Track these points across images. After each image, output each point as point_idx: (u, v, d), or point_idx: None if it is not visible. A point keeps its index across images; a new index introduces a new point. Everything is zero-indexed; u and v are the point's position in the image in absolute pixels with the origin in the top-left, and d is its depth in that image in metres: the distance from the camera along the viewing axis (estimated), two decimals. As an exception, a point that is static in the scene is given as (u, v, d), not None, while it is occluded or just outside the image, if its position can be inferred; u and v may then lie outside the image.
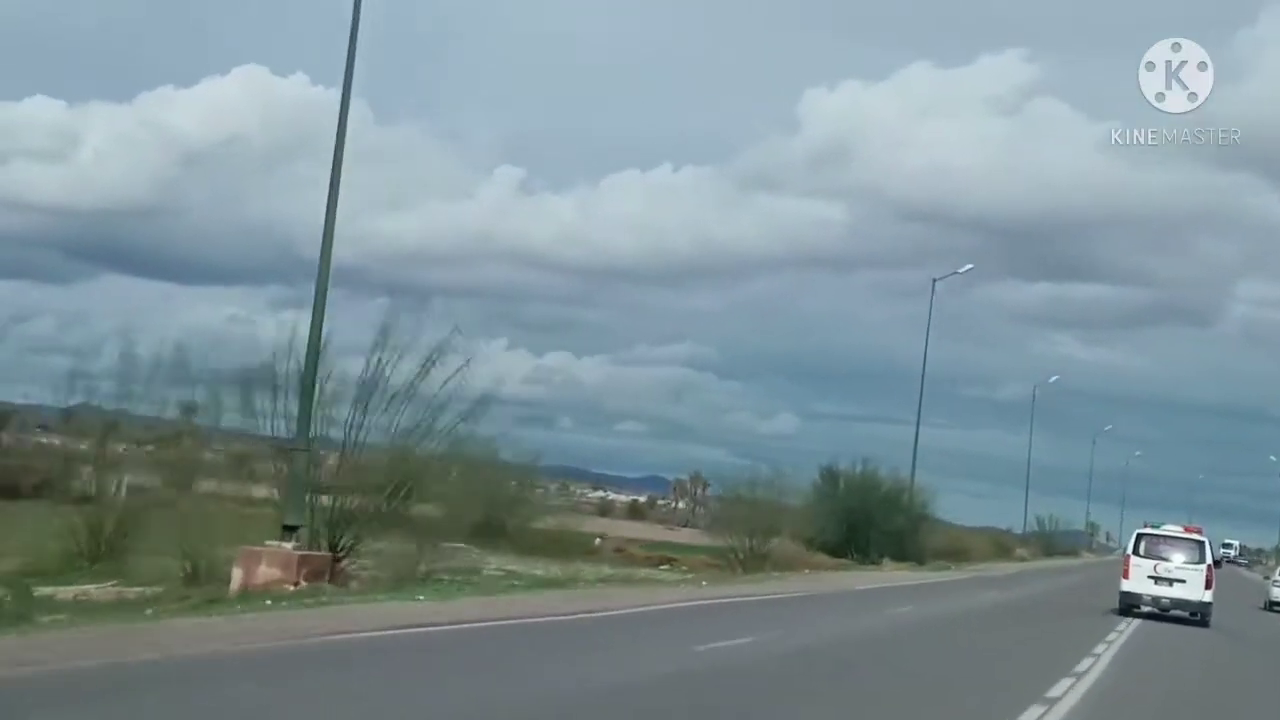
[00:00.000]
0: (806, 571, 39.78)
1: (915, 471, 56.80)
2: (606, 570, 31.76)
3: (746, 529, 41.81)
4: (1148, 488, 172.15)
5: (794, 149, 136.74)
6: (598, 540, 44.62)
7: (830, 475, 55.92)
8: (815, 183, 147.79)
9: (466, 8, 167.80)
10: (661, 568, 38.58)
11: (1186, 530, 31.82)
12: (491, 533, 32.31)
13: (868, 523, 52.94)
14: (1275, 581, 43.49)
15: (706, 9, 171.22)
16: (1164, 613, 30.13)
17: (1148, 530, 31.55)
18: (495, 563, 28.21)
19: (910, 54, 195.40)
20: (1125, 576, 30.68)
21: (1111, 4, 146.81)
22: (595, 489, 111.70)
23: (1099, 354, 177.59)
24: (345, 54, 20.28)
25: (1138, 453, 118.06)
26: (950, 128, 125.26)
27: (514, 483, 36.31)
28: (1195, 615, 29.80)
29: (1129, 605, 30.24)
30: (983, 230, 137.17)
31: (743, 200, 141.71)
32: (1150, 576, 30.06)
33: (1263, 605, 42.20)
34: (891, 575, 44.74)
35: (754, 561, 40.01)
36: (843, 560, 48.42)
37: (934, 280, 58.19)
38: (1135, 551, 30.81)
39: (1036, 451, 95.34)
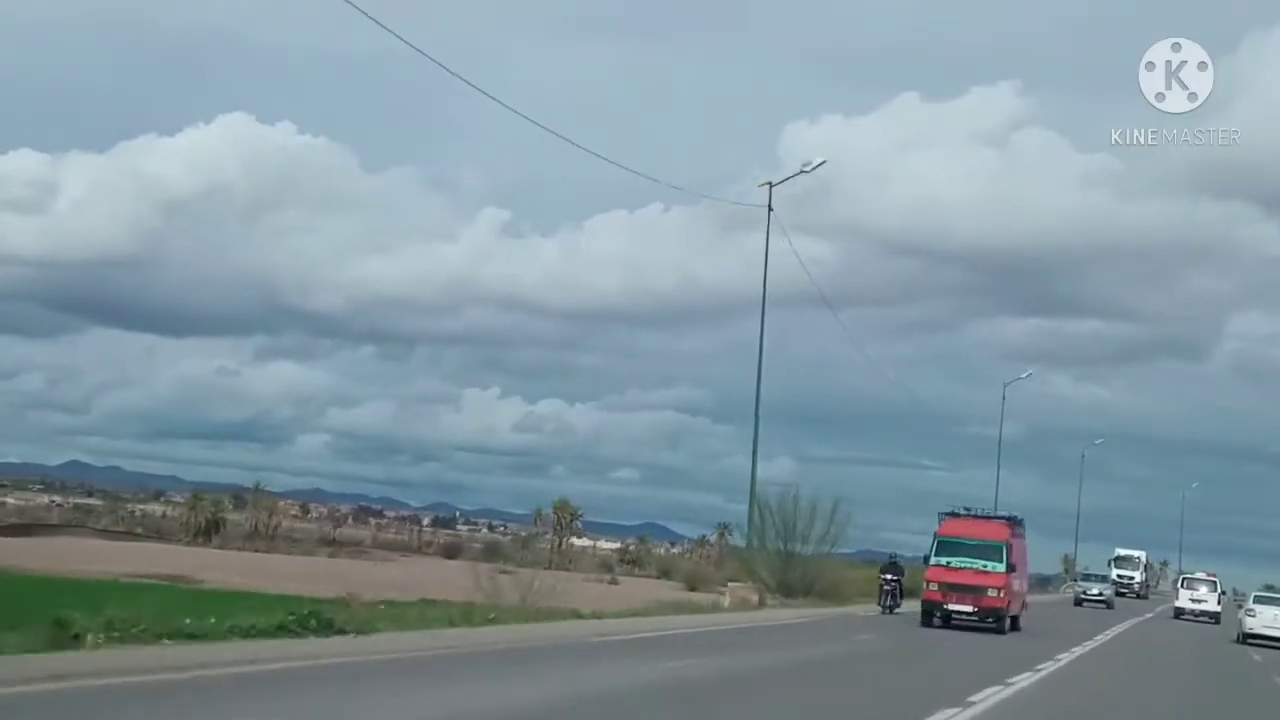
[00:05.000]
0: None
1: None
2: None
3: None
4: (1138, 525, 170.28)
5: (778, 186, 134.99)
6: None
7: None
8: (799, 220, 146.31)
9: (453, 55, 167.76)
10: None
11: (1207, 575, 59.42)
12: None
13: None
14: (1249, 611, 40.48)
15: (692, 48, 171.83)
16: (1195, 617, 53.80)
17: (1186, 574, 63.35)
18: None
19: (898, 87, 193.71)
20: (1176, 599, 57.66)
21: (1106, 38, 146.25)
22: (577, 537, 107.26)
23: (1089, 390, 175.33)
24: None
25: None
26: (938, 160, 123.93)
27: None
28: (1213, 619, 53.06)
29: (1179, 613, 55.15)
30: (970, 264, 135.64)
31: (729, 240, 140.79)
32: (1190, 599, 56.20)
33: (1235, 638, 39.78)
34: None
35: None
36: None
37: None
38: (1180, 586, 59.31)
39: (1027, 493, 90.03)
